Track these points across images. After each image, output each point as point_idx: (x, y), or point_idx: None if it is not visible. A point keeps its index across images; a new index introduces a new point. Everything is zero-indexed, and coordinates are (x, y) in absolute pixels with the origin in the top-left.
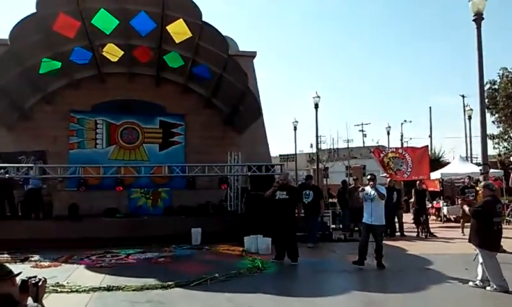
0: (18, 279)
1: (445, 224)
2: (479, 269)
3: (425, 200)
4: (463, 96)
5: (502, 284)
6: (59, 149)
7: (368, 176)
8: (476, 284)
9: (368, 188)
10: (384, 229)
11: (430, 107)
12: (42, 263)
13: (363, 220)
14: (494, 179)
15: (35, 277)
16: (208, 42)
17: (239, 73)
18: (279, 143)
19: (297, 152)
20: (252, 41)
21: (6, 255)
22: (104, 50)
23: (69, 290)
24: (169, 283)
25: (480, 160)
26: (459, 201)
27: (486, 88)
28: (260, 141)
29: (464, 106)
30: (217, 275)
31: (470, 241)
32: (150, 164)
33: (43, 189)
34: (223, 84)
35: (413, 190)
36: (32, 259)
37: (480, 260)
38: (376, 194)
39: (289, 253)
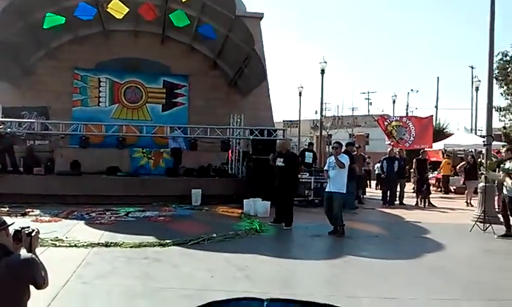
0: (11, 230)
1: (446, 195)
2: None
3: (426, 169)
4: (472, 68)
5: None
6: (62, 106)
7: (332, 145)
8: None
9: (331, 157)
10: (341, 197)
11: (438, 77)
12: (42, 218)
13: (326, 189)
14: (497, 151)
15: (28, 227)
16: (214, 1)
17: (245, 35)
18: (283, 109)
19: (301, 118)
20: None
21: (6, 209)
22: (108, 6)
23: (68, 245)
24: (167, 241)
25: (484, 132)
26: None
27: (497, 59)
28: (263, 105)
29: (472, 77)
30: (215, 235)
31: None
32: (153, 124)
33: (44, 145)
34: (229, 45)
35: (414, 160)
36: (33, 213)
37: None
38: (335, 162)
39: (284, 217)
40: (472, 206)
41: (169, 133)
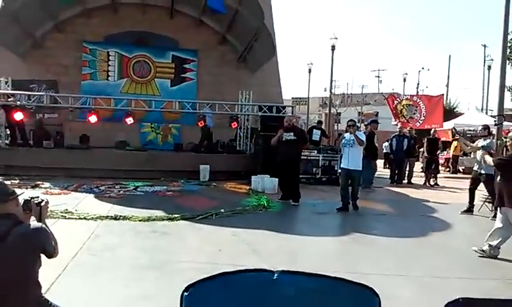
0: (21, 200)
1: (454, 175)
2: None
3: (437, 148)
4: (485, 46)
5: (495, 251)
6: (71, 79)
7: (348, 123)
8: (483, 251)
9: (347, 135)
10: (360, 174)
11: (449, 56)
12: (52, 191)
13: (342, 166)
14: (507, 132)
15: (37, 197)
16: None
17: (255, 9)
18: (292, 85)
19: (310, 96)
20: None
21: (17, 181)
22: None
23: (77, 217)
24: (175, 215)
25: (496, 112)
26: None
27: (509, 38)
28: (272, 82)
29: (484, 56)
30: (222, 210)
31: (497, 206)
32: (161, 99)
33: (53, 118)
34: (238, 19)
35: (425, 139)
36: (43, 186)
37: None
38: (354, 140)
39: (291, 194)
40: None
41: (178, 109)
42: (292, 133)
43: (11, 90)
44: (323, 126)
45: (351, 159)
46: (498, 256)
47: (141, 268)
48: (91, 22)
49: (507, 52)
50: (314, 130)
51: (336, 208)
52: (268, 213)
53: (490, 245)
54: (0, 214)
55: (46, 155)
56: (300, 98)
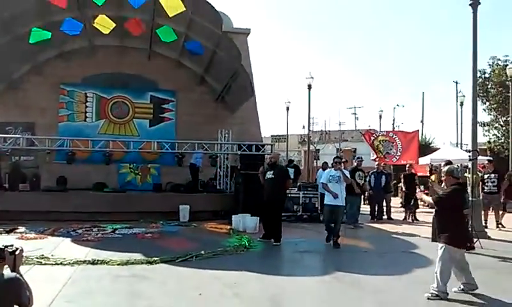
0: None
1: (433, 210)
2: (457, 273)
3: (415, 184)
4: (456, 83)
5: (443, 290)
6: (48, 121)
7: (335, 159)
8: (463, 289)
9: (333, 171)
10: (344, 210)
11: (423, 93)
12: (28, 235)
13: (327, 202)
14: (482, 166)
15: (12, 245)
16: (201, 17)
17: (233, 50)
18: (271, 123)
19: (289, 133)
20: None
21: None
22: (95, 21)
23: (53, 263)
24: (155, 258)
25: (470, 147)
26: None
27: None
28: (251, 121)
29: (457, 92)
30: (203, 252)
31: (434, 239)
32: (140, 139)
33: (30, 161)
34: (216, 60)
35: (402, 175)
36: (18, 231)
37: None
38: (340, 176)
39: (273, 233)
40: (504, 227)
41: (157, 149)
42: (272, 172)
43: None
44: (302, 163)
45: (338, 195)
46: (486, 292)
47: None
48: (69, 64)
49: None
50: (288, 168)
51: (327, 241)
52: (249, 253)
53: (464, 284)
54: None
55: (22, 199)
56: (279, 136)
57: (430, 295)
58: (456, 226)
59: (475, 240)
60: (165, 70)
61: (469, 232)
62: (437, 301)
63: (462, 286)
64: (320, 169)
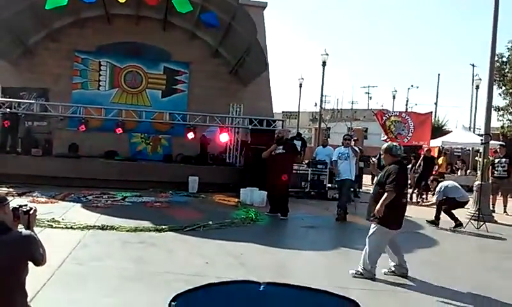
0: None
1: None
2: (391, 253)
3: (432, 167)
4: (473, 66)
5: (371, 271)
6: (62, 88)
7: (345, 136)
8: (393, 271)
9: (342, 148)
10: (351, 183)
11: (438, 74)
12: (39, 199)
13: (340, 178)
14: (494, 151)
15: (26, 205)
16: None
17: (248, 23)
18: (283, 100)
19: (301, 110)
20: None
21: (3, 189)
22: None
23: (64, 226)
24: (163, 226)
25: (483, 131)
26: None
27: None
28: (263, 96)
29: (473, 75)
30: (210, 222)
31: (368, 218)
32: (152, 110)
33: (43, 127)
34: (231, 33)
35: (422, 156)
36: (30, 194)
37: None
38: (349, 152)
39: (280, 207)
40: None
41: (169, 120)
42: (281, 147)
43: (1, 97)
44: (312, 141)
45: (346, 170)
46: (491, 275)
47: (127, 279)
48: (84, 32)
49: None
50: (295, 140)
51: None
52: (256, 226)
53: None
54: None
55: (34, 163)
56: (290, 112)
57: (355, 272)
58: (391, 207)
59: (481, 223)
60: (179, 41)
61: (403, 214)
62: (364, 280)
63: (393, 268)
64: (321, 146)
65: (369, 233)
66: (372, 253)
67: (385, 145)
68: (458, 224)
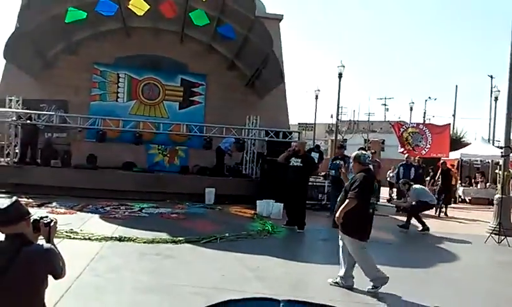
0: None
1: (460, 205)
2: (342, 262)
3: (450, 179)
4: (491, 77)
5: (380, 276)
6: (81, 100)
7: (338, 145)
8: (337, 283)
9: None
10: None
11: (456, 86)
12: (58, 210)
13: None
14: None
15: (47, 217)
16: (235, 1)
17: (265, 36)
18: (299, 111)
19: (317, 122)
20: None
21: (23, 199)
22: (130, 3)
23: (82, 238)
24: (180, 238)
25: (503, 143)
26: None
27: None
28: (280, 107)
29: (491, 87)
30: (227, 234)
31: (335, 226)
32: (170, 121)
33: (62, 138)
34: (248, 45)
35: (439, 169)
36: (49, 205)
37: (342, 253)
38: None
39: (297, 220)
40: None
41: (186, 132)
42: (299, 160)
43: (22, 109)
44: (328, 153)
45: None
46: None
47: (144, 292)
48: (102, 45)
49: None
50: (312, 153)
51: None
52: (273, 238)
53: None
54: (11, 234)
55: (53, 174)
56: (307, 124)
57: (371, 287)
58: (357, 217)
59: (502, 237)
60: (196, 53)
61: (370, 224)
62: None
63: (338, 279)
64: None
65: (349, 249)
66: (365, 266)
67: (354, 153)
68: (426, 228)
